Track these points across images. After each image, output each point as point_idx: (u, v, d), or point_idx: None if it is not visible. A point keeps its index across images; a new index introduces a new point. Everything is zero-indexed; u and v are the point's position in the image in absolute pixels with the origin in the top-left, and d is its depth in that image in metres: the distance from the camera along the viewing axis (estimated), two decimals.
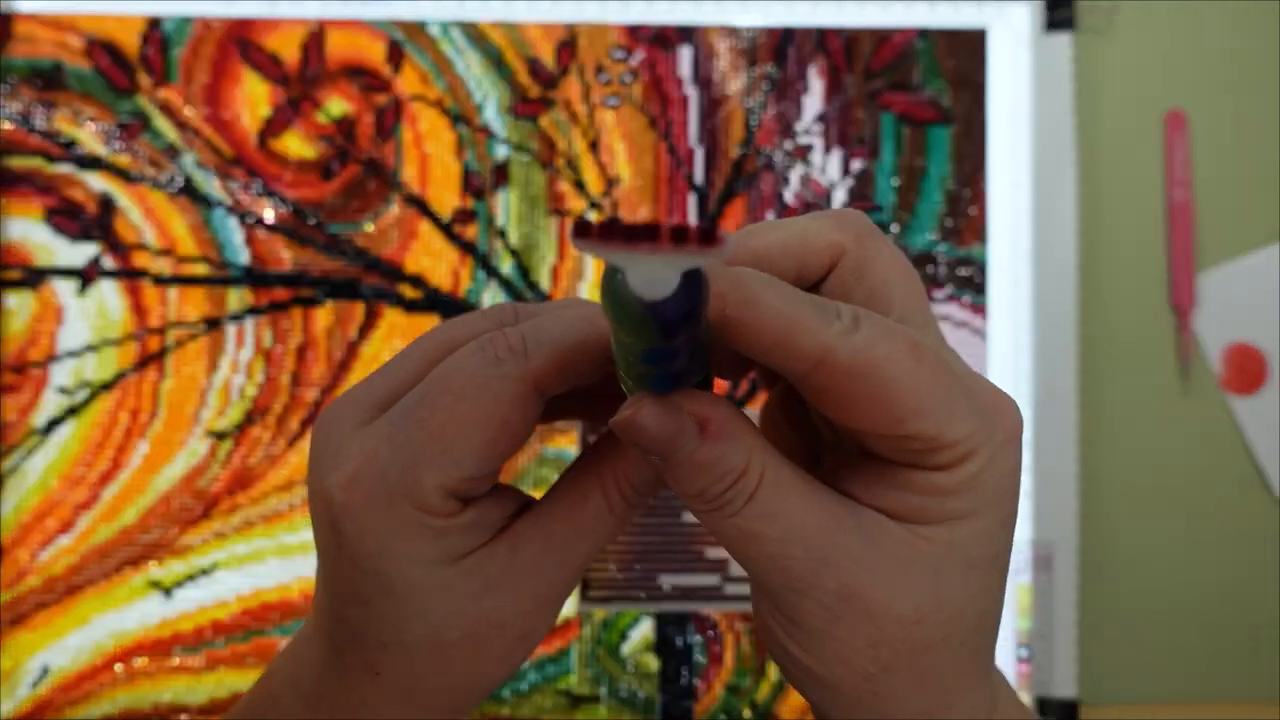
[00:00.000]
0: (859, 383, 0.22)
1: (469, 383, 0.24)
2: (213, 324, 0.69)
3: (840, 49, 0.72)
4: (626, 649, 0.69)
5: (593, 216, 0.72)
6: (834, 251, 0.25)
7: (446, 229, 0.70)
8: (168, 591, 0.68)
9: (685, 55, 0.72)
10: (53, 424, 0.68)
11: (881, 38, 0.72)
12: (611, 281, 0.20)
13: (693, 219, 0.71)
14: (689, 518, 0.69)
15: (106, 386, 0.69)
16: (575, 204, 0.71)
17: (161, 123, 0.70)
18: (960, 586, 0.24)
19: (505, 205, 0.71)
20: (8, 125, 0.69)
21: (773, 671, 0.70)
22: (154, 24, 0.70)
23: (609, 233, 0.18)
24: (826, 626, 0.23)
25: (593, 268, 0.71)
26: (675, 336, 0.20)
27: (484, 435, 0.24)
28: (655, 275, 0.19)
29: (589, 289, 0.70)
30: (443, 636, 0.25)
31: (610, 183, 0.71)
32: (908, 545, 0.23)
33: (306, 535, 0.68)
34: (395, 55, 0.71)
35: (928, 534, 0.23)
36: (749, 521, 0.23)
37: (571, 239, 0.18)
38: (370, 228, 0.70)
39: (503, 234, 0.70)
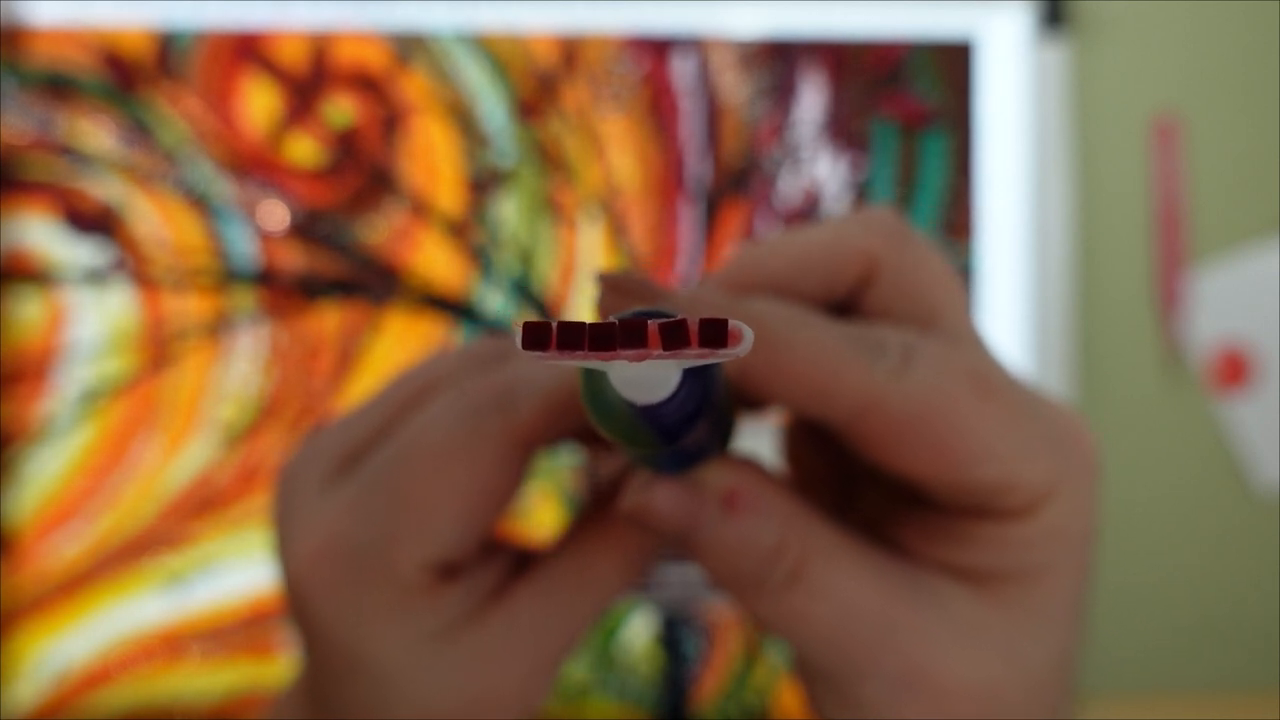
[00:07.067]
0: (915, 430, 0.19)
1: (445, 443, 0.21)
2: (221, 325, 0.71)
3: (837, 55, 0.74)
4: (625, 640, 0.71)
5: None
6: (866, 261, 0.21)
7: (451, 232, 0.72)
8: (179, 587, 0.70)
9: (684, 63, 0.74)
10: (65, 423, 0.70)
11: (877, 43, 0.74)
12: (588, 381, 0.16)
13: (692, 223, 0.73)
14: None
15: (117, 387, 0.70)
16: (576, 208, 0.73)
17: (171, 127, 0.72)
18: (1040, 651, 0.21)
19: (508, 210, 0.72)
20: (20, 130, 0.71)
21: (771, 662, 0.71)
22: (163, 33, 0.72)
23: (571, 339, 0.14)
24: (890, 708, 0.20)
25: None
26: (681, 439, 0.16)
27: (464, 504, 0.21)
28: (647, 374, 0.14)
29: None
30: (432, 716, 0.22)
31: (611, 187, 0.73)
32: (977, 611, 0.20)
33: None
34: (400, 63, 0.73)
35: (1000, 596, 0.20)
36: (795, 603, 0.20)
37: (522, 349, 0.14)
38: (376, 231, 0.72)
39: (506, 238, 0.72)
